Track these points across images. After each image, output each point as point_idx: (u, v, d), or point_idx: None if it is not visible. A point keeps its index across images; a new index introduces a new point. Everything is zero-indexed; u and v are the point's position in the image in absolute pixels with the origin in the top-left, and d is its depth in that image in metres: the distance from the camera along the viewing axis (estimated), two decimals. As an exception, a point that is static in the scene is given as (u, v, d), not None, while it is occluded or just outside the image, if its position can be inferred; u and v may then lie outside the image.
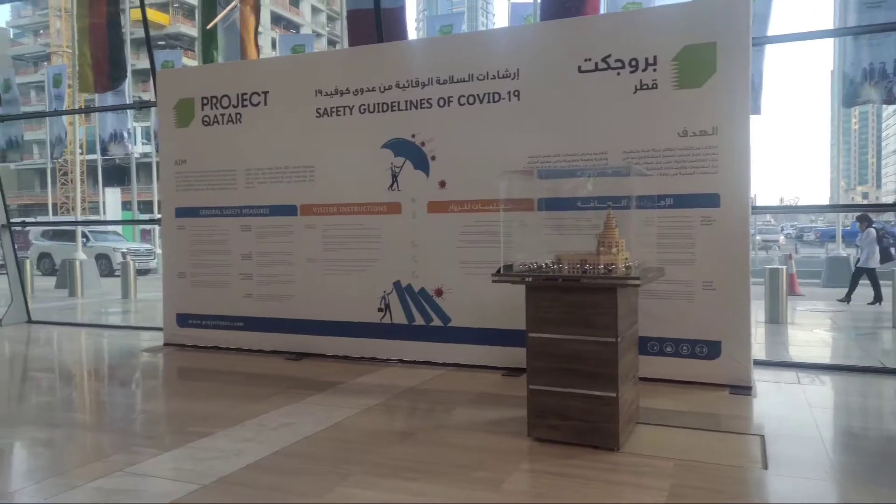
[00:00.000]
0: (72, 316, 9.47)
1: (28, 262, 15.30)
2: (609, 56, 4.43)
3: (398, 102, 5.09)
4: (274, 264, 5.56)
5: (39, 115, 14.76)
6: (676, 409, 3.80)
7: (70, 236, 23.37)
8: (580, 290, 3.06)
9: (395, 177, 5.11)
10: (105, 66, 8.18)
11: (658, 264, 3.81)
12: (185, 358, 5.57)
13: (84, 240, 22.92)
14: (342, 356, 5.31)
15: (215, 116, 5.74)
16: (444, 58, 4.97)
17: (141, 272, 19.36)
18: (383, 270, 5.16)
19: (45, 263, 23.98)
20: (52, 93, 16.06)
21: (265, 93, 5.54)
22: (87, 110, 12.48)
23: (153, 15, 39.97)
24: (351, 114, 5.24)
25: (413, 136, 5.04)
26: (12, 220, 8.19)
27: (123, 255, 20.19)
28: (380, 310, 5.19)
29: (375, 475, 2.73)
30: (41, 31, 48.60)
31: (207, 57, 8.11)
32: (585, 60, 4.50)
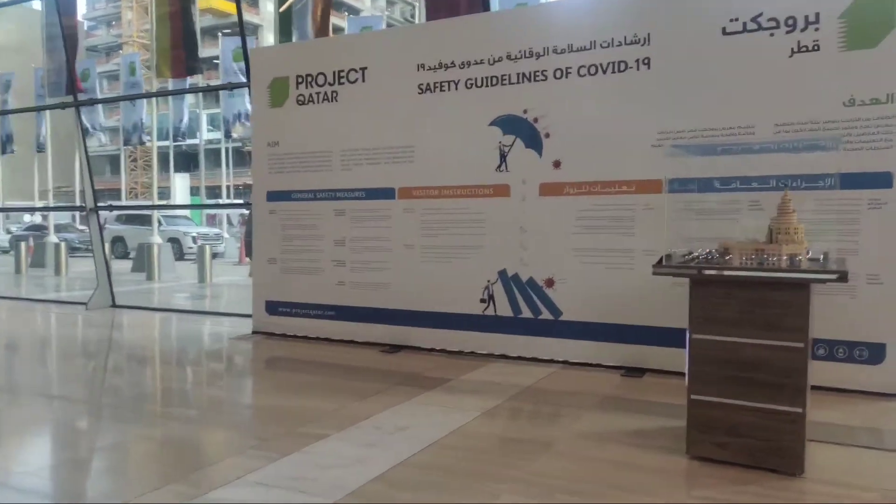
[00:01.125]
0: (153, 300, 9.50)
1: (63, 243, 15.71)
2: (760, 15, 3.88)
3: (508, 75, 4.67)
4: (369, 251, 5.25)
5: (133, 98, 15.10)
6: (845, 424, 3.27)
7: (142, 220, 23.96)
8: (761, 285, 2.58)
9: (503, 157, 4.70)
10: (181, 52, 8.15)
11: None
12: (277, 347, 5.34)
13: (157, 224, 23.59)
14: (439, 350, 4.96)
15: (310, 95, 5.46)
16: (562, 24, 4.51)
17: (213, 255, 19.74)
18: (487, 258, 4.77)
19: (119, 247, 24.59)
20: (129, 81, 16.40)
21: (363, 69, 5.22)
22: (183, 91, 12.52)
23: (220, 3, 40.71)
24: (456, 89, 4.85)
25: (525, 111, 4.62)
26: (99, 204, 8.21)
27: (194, 239, 20.57)
28: (482, 301, 4.81)
29: (527, 495, 2.34)
30: (113, 23, 50.41)
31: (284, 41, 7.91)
32: (731, 21, 3.96)
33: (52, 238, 18.80)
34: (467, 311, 4.86)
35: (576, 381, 4.12)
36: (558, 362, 4.54)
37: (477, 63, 4.77)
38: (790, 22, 3.80)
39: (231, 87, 7.18)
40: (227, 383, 4.49)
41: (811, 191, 3.70)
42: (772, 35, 3.84)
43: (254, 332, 5.80)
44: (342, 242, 5.36)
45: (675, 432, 2.93)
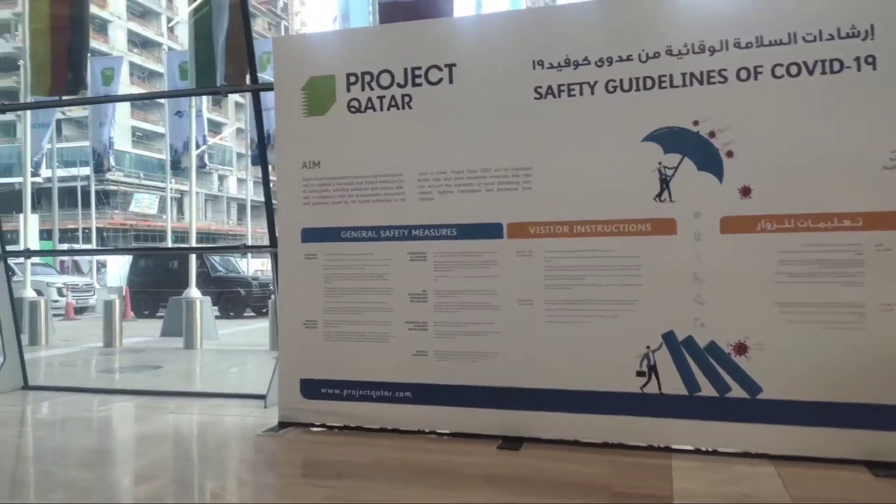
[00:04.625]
0: (70, 377, 7.33)
1: None
2: None
3: (670, 76, 3.56)
4: (464, 308, 3.87)
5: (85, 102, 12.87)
6: None
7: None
8: None
9: (665, 182, 3.56)
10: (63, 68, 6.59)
11: None
12: (333, 447, 3.80)
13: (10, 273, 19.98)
14: (580, 442, 3.67)
15: (370, 100, 4.05)
16: (747, 10, 3.48)
17: (77, 311, 16.80)
18: (645, 317, 3.58)
19: None
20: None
21: (450, 66, 3.90)
22: (154, 95, 10.42)
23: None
24: (592, 93, 3.67)
25: (696, 123, 3.52)
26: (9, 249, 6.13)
27: (60, 290, 17.61)
28: (640, 374, 3.58)
29: None
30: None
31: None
32: None
33: None
34: (617, 388, 3.61)
35: (834, 487, 2.99)
36: (757, 456, 3.39)
37: (623, 59, 3.63)
38: None
39: (226, 91, 5.38)
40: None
41: None
42: None
43: (282, 425, 4.18)
44: (422, 297, 3.95)
45: None
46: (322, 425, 4.15)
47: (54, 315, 12.51)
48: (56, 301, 15.60)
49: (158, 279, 16.11)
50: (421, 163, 3.97)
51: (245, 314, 16.22)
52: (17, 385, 5.78)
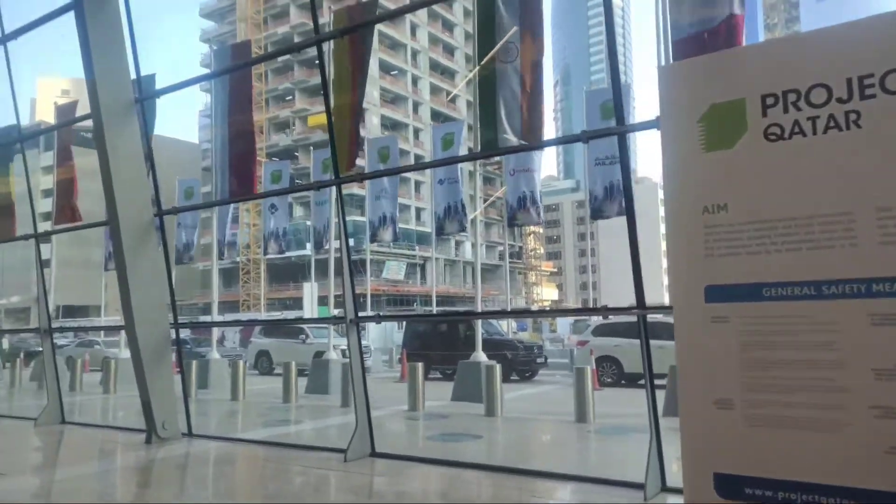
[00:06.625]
0: (408, 445, 7.23)
1: (242, 362, 14.07)
2: None
3: None
4: (970, 390, 2.80)
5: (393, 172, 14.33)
6: None
7: (287, 332, 22.54)
8: None
9: None
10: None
11: None
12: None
13: (303, 336, 22.00)
14: None
15: (797, 124, 3.27)
16: None
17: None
18: None
19: (264, 362, 23.15)
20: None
21: (921, 67, 2.99)
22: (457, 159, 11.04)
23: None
24: None
25: None
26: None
27: (343, 353, 18.74)
28: None
29: None
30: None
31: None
32: None
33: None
34: None
35: None
36: None
37: None
38: None
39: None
40: None
41: None
42: None
43: (693, 525, 3.40)
44: (893, 374, 2.96)
45: None
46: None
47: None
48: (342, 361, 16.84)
49: (429, 342, 16.58)
50: (877, 195, 3.05)
51: (510, 378, 15.93)
52: (365, 452, 5.71)
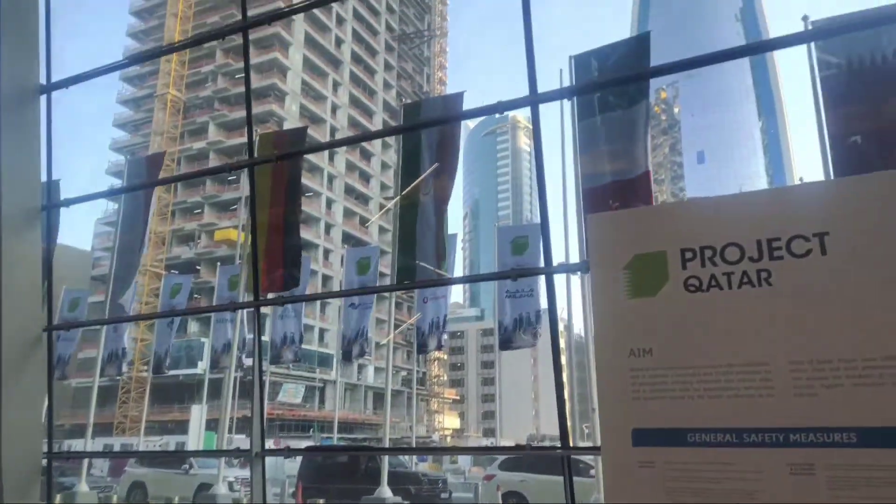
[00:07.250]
0: None
1: (114, 496, 12.62)
2: None
3: None
4: (882, 546, 2.89)
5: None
6: None
7: (172, 461, 20.66)
8: None
9: None
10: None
11: None
12: None
13: (186, 466, 20.07)
14: None
15: (713, 277, 3.51)
16: None
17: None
18: None
19: (138, 495, 20.79)
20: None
21: (821, 235, 3.33)
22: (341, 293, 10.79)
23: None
24: None
25: None
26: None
27: (231, 485, 17.27)
28: None
29: None
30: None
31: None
32: None
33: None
34: None
35: None
36: None
37: None
38: None
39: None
40: None
41: None
42: None
43: None
44: (814, 527, 3.02)
45: None
46: None
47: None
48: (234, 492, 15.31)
49: (328, 474, 15.62)
50: (791, 349, 3.26)
51: (410, 514, 15.12)
52: None
